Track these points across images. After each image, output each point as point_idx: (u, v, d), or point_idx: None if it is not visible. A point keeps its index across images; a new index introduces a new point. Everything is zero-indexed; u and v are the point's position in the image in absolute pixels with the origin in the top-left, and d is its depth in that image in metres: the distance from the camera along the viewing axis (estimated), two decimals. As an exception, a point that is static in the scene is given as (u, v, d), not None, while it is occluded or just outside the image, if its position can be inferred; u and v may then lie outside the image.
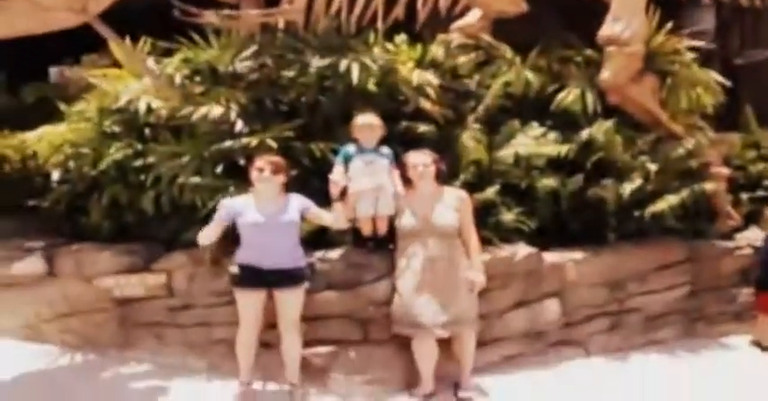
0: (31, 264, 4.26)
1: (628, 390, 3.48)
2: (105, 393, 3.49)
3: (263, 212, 3.32)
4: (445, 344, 3.44)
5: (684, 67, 4.57)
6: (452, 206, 3.47)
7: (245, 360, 3.40)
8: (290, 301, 3.36)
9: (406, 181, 3.53)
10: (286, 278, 3.33)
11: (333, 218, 3.43)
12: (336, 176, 3.44)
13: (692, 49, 4.67)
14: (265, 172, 3.32)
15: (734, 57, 6.70)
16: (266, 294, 3.36)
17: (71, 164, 4.35)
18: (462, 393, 3.42)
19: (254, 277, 3.31)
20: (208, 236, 3.35)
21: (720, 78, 4.67)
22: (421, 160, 3.50)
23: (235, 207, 3.36)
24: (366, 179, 3.46)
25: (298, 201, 3.41)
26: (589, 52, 4.60)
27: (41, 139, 4.48)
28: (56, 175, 4.42)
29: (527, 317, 3.81)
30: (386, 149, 3.58)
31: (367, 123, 3.54)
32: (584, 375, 3.71)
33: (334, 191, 3.41)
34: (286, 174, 3.41)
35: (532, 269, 3.81)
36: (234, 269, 3.36)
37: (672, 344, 4.15)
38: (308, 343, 3.50)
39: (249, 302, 3.34)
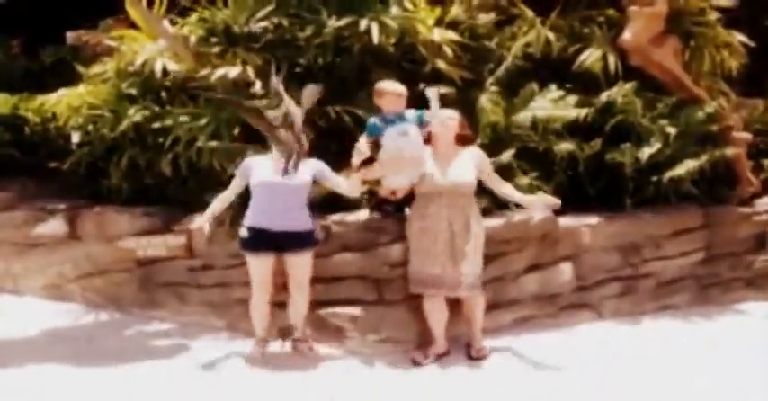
0: (54, 226, 4.37)
1: (638, 354, 3.51)
2: (129, 350, 3.60)
3: (275, 172, 3.34)
4: (457, 305, 3.50)
5: (709, 29, 4.44)
6: (470, 165, 3.45)
7: (258, 321, 3.47)
8: (299, 264, 3.40)
9: (427, 139, 3.48)
10: (294, 241, 3.36)
11: (348, 186, 3.42)
12: (362, 148, 3.35)
13: (718, 9, 4.53)
14: None
15: (763, 18, 6.47)
16: (275, 257, 3.41)
17: (90, 126, 4.39)
18: (475, 353, 3.49)
19: (262, 240, 3.34)
20: (225, 196, 3.44)
21: (747, 40, 4.54)
22: (444, 115, 3.43)
23: (250, 165, 3.40)
24: (407, 154, 3.30)
25: (313, 165, 3.43)
26: (611, 12, 4.48)
27: (60, 101, 4.51)
28: (76, 138, 4.46)
29: (541, 281, 3.84)
30: (410, 113, 3.40)
31: (396, 91, 3.35)
32: (596, 338, 3.76)
33: (357, 160, 3.34)
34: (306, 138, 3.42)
35: (547, 233, 3.82)
36: (243, 232, 3.38)
37: (684, 310, 4.16)
38: (324, 303, 3.57)
39: (258, 265, 3.39)
